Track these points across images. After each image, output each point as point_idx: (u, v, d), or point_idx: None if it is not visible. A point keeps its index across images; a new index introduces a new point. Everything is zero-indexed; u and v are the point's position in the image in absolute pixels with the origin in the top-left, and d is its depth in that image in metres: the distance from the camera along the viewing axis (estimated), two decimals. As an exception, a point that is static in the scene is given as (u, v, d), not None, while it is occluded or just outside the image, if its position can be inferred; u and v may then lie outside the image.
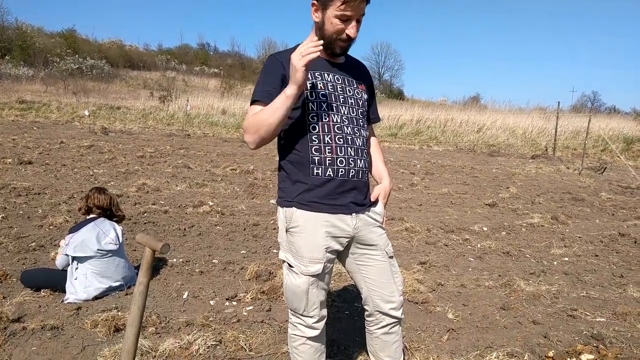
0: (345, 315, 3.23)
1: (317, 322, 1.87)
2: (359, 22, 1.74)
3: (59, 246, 3.48)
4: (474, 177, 9.69)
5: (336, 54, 1.81)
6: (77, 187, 6.80)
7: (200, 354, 2.51)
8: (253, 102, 1.76)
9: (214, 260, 4.28)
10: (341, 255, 1.93)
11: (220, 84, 36.95)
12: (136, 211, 5.83)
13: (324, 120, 1.76)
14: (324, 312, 1.90)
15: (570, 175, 10.42)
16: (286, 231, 1.81)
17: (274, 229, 5.41)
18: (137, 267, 4.01)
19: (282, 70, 1.75)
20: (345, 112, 1.82)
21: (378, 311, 1.95)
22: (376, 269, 1.91)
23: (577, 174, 10.46)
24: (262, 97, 1.74)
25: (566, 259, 4.55)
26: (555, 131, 14.96)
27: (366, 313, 2.02)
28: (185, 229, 5.20)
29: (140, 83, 39.66)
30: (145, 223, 5.37)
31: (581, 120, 18.03)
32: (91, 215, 3.49)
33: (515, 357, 2.62)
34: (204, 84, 44.03)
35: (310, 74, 1.78)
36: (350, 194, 1.81)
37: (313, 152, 1.76)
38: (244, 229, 5.32)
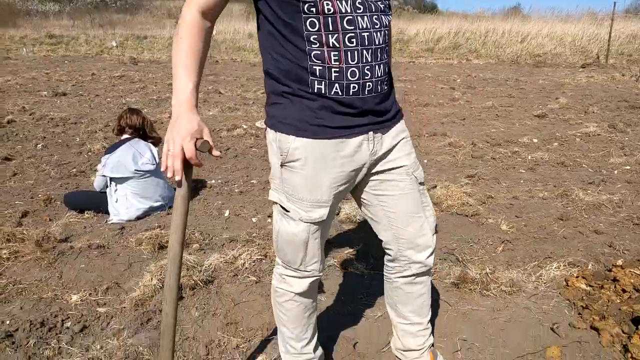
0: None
1: (314, 276, 1.48)
2: None
3: (97, 170, 3.44)
4: (520, 89, 9.09)
5: None
6: (112, 115, 6.77)
7: (246, 268, 2.46)
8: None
9: (252, 181, 4.19)
10: (354, 189, 1.46)
11: (244, 7, 35.64)
12: (172, 136, 5.78)
13: (326, 11, 1.18)
14: (323, 262, 1.50)
15: (626, 82, 9.62)
16: (281, 166, 1.33)
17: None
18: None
19: None
20: None
21: (403, 256, 1.49)
22: (402, 199, 1.42)
23: (634, 81, 9.65)
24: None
25: (628, 167, 4.21)
26: (610, 36, 13.71)
27: (387, 257, 1.57)
28: (221, 152, 5.11)
29: (164, 12, 38.76)
30: (181, 147, 5.32)
31: (639, 23, 16.45)
32: (125, 136, 3.40)
33: (577, 266, 2.45)
34: (227, 10, 42.64)
35: None
36: (366, 114, 1.31)
37: (313, 59, 1.22)
38: (281, 150, 5.19)
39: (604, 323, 1.87)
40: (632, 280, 2.11)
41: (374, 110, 1.31)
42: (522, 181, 3.96)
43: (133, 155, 3.25)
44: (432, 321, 1.73)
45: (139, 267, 2.55)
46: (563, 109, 7.06)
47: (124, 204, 3.25)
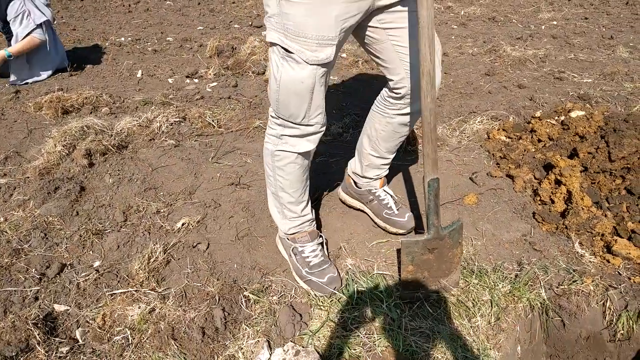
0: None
1: (318, 131, 1.35)
2: None
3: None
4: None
5: None
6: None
7: (163, 132, 2.28)
8: None
9: (167, 38, 3.77)
10: (359, 25, 1.30)
11: None
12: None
13: None
14: (325, 116, 1.35)
15: None
16: None
17: (233, 2, 4.74)
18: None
19: None
20: None
21: (415, 90, 1.38)
22: (413, 31, 1.28)
23: None
24: None
25: (554, 22, 4.22)
26: None
27: (393, 95, 1.45)
28: (130, 5, 4.50)
29: None
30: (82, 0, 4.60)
31: None
32: None
33: (499, 119, 2.50)
34: None
35: None
36: None
37: None
38: (198, 3, 4.65)
39: (519, 170, 1.96)
40: (547, 130, 2.19)
41: None
42: (453, 37, 3.87)
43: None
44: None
45: (40, 134, 2.29)
46: (498, -37, 6.79)
47: (40, 60, 2.87)
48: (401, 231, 1.64)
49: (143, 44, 3.66)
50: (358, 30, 1.32)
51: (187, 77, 3.01)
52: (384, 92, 1.50)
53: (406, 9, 1.26)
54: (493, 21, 4.26)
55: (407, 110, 1.46)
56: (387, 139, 1.58)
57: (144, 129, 2.29)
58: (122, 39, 3.72)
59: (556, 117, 2.33)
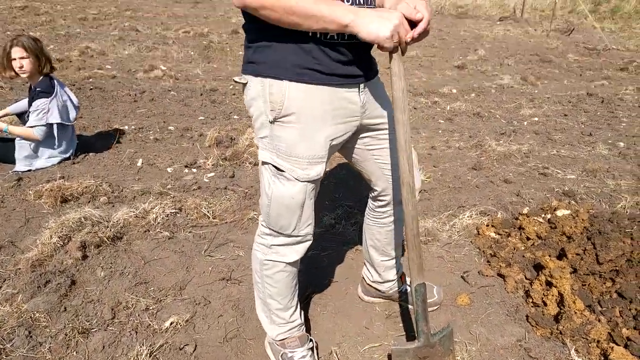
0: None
1: (307, 240, 1.39)
2: None
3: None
4: (442, 40, 9.24)
5: None
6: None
7: (158, 223, 2.31)
8: None
9: (169, 127, 3.93)
10: (344, 146, 1.42)
11: None
12: (80, 76, 5.24)
13: None
14: (314, 226, 1.41)
15: (538, 37, 10.10)
16: (272, 122, 1.22)
17: (234, 94, 5.00)
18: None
19: None
20: None
21: (398, 197, 1.46)
22: (393, 148, 1.41)
23: (544, 36, 10.15)
24: None
25: (536, 119, 4.46)
26: (526, -9, 14.20)
27: (379, 203, 1.56)
28: (136, 95, 4.72)
29: None
30: (91, 89, 4.83)
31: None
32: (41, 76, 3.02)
33: (488, 215, 2.57)
34: None
35: None
36: (358, 64, 1.26)
37: None
38: (201, 94, 4.89)
39: (509, 270, 1.98)
40: (535, 228, 2.25)
41: (364, 61, 1.27)
42: (440, 131, 4.06)
43: (69, 98, 3.04)
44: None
45: (38, 223, 2.31)
46: (481, 61, 7.29)
47: (47, 152, 2.98)
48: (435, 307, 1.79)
49: (145, 132, 3.80)
50: (344, 150, 1.45)
51: (186, 166, 3.11)
52: (370, 203, 1.61)
53: (385, 131, 1.41)
54: (478, 116, 4.49)
55: (397, 210, 1.55)
56: (393, 240, 1.66)
57: (140, 220, 2.32)
58: (126, 127, 3.87)
59: (543, 215, 2.40)
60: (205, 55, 6.69)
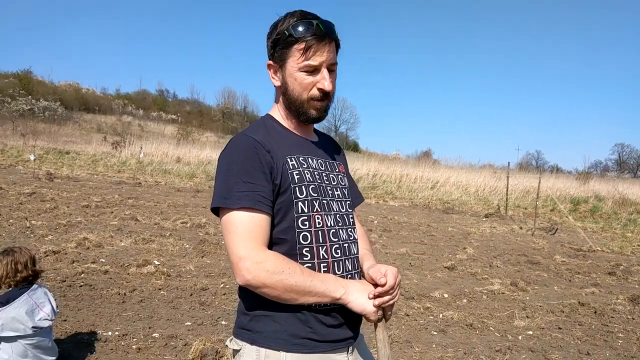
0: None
1: None
2: (332, 71, 1.34)
3: None
4: (431, 236, 9.64)
5: (312, 118, 1.37)
6: (10, 241, 6.16)
7: None
8: (235, 208, 1.23)
9: (154, 334, 3.82)
10: None
11: (177, 130, 36.52)
12: (73, 271, 5.29)
13: (317, 225, 1.31)
14: None
15: (524, 235, 10.58)
16: None
17: (224, 294, 5.00)
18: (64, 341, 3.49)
19: (265, 159, 1.27)
20: (337, 209, 1.39)
21: None
22: None
23: (530, 235, 10.64)
24: (252, 203, 1.23)
25: (530, 332, 4.38)
26: (507, 191, 15.41)
27: None
28: (125, 294, 4.71)
29: (94, 126, 38.71)
30: (81, 286, 4.84)
31: (530, 180, 18.77)
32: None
33: None
34: (160, 130, 43.45)
35: (294, 159, 1.34)
36: (347, 326, 1.36)
37: None
38: (191, 294, 4.88)
39: None
40: None
41: (354, 319, 1.36)
42: (434, 345, 3.95)
43: (31, 308, 2.84)
44: None
45: None
46: (470, 260, 7.49)
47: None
48: None
49: (129, 339, 3.68)
50: None
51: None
52: None
53: None
54: (471, 328, 4.42)
55: None
56: None
57: None
58: (110, 333, 3.76)
59: None
60: (200, 249, 6.88)
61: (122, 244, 6.80)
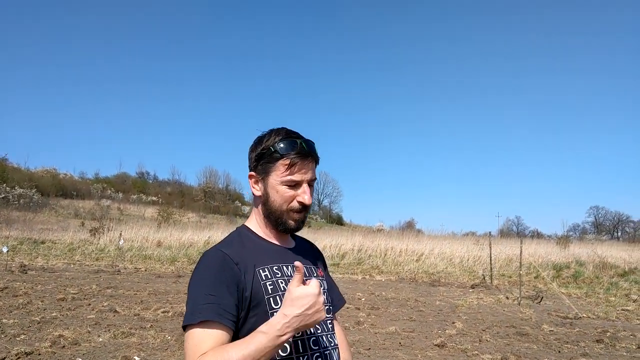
0: None
1: None
2: (310, 186, 1.42)
3: None
4: (419, 312, 9.51)
5: (290, 228, 1.43)
6: (-26, 349, 5.84)
7: None
8: (196, 323, 1.23)
9: None
10: None
11: (158, 212, 36.20)
12: (45, 376, 5.02)
13: (296, 334, 1.26)
14: None
15: (511, 305, 10.52)
16: None
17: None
18: None
19: (232, 273, 1.30)
20: None
21: None
22: None
23: (516, 304, 10.59)
24: (211, 315, 1.23)
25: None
26: (490, 260, 15.49)
27: None
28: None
29: (71, 212, 38.09)
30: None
31: (512, 247, 18.95)
32: None
33: None
34: (140, 213, 42.98)
35: (267, 269, 1.37)
36: None
37: None
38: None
39: None
40: None
41: None
42: None
43: None
44: None
45: None
46: (459, 336, 7.37)
47: None
48: None
49: None
50: None
51: None
52: None
53: None
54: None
55: None
56: None
57: None
58: None
59: None
60: (182, 341, 6.63)
61: (100, 339, 6.51)
